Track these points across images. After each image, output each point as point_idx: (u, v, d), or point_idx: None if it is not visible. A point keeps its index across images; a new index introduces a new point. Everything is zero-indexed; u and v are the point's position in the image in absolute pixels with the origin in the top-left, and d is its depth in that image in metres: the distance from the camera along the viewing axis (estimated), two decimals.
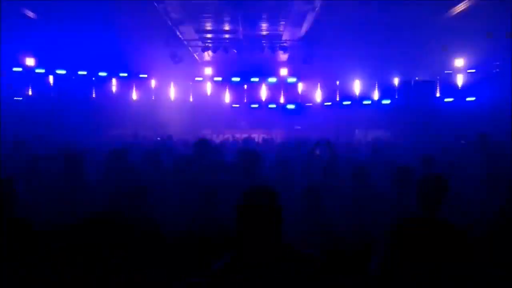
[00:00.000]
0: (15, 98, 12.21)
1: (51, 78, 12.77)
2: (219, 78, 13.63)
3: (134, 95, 13.77)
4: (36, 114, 11.27)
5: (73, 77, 12.80)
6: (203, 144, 5.51)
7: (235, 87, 13.78)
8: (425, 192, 3.31)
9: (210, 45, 12.72)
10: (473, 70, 12.24)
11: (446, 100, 12.67)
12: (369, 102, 13.19)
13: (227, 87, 13.71)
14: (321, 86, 13.57)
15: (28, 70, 12.35)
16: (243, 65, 13.34)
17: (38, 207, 4.10)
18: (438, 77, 12.90)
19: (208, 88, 13.70)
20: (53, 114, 11.48)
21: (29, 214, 3.76)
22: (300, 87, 13.66)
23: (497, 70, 11.74)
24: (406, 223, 3.15)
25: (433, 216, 3.20)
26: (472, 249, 3.10)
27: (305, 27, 11.41)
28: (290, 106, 13.65)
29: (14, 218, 3.35)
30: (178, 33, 12.01)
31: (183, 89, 13.95)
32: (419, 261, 2.91)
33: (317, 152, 5.87)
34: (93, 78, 13.22)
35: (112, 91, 13.41)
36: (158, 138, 9.46)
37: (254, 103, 13.78)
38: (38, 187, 4.78)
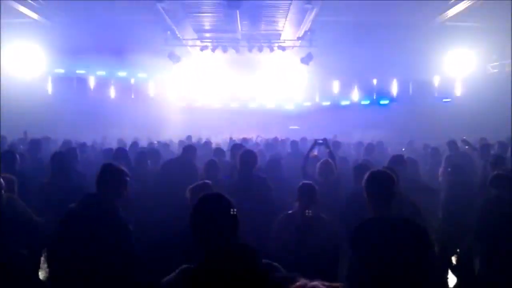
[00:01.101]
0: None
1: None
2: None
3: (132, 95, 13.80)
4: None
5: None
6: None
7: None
8: (375, 190, 3.10)
9: (209, 44, 12.67)
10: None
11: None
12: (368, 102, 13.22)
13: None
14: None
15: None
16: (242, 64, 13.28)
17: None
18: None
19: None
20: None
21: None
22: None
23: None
24: (363, 225, 3.06)
25: (387, 215, 3.10)
26: (432, 245, 3.05)
27: (304, 27, 11.41)
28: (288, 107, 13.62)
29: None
30: (177, 32, 12.01)
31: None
32: (381, 261, 2.88)
33: (315, 151, 5.86)
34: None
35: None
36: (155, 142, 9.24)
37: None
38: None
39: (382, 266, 2.88)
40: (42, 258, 3.93)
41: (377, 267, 2.90)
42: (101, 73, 13.44)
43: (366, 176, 3.18)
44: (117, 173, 3.29)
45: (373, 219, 3.08)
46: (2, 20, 9.74)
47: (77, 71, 13.18)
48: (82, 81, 13.38)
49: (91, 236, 3.02)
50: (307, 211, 3.78)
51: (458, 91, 13.19)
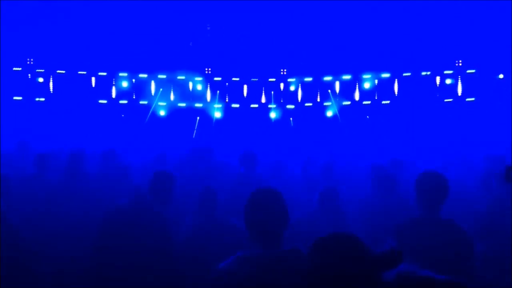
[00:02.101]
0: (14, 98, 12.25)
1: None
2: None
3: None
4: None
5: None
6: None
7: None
8: (426, 190, 3.17)
9: None
10: (473, 71, 12.25)
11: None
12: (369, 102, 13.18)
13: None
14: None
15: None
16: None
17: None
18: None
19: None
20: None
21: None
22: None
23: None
24: (408, 223, 3.12)
25: (435, 216, 3.15)
26: (473, 248, 3.09)
27: None
28: (290, 107, 13.60)
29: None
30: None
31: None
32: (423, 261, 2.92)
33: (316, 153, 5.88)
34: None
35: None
36: None
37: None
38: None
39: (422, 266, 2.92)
40: None
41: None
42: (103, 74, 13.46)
43: (419, 175, 3.28)
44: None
45: (420, 219, 3.14)
46: None
47: None
48: None
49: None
50: None
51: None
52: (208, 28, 12.64)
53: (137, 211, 3.41)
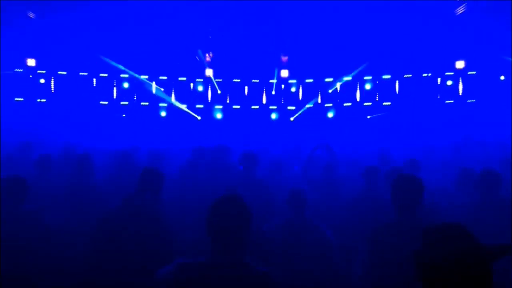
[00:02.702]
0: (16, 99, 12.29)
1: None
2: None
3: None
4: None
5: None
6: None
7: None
8: (401, 193, 3.14)
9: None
10: (474, 72, 12.26)
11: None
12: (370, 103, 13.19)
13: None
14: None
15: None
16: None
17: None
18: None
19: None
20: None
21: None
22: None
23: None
24: (382, 229, 3.09)
25: (410, 218, 3.12)
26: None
27: None
28: (291, 108, 13.61)
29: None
30: None
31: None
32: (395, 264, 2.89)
33: (317, 153, 5.89)
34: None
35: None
36: None
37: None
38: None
39: (395, 270, 2.90)
40: None
41: (390, 271, 2.92)
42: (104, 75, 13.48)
43: (395, 179, 3.23)
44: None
45: (395, 222, 3.11)
46: None
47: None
48: None
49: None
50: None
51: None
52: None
53: (129, 213, 3.48)
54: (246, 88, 13.55)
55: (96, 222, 3.55)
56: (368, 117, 12.96)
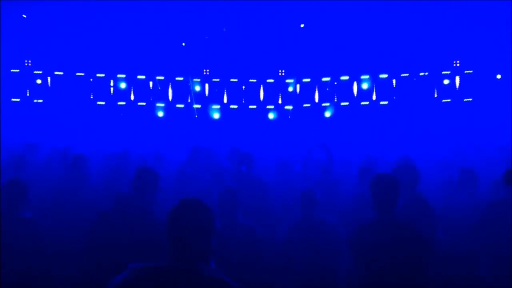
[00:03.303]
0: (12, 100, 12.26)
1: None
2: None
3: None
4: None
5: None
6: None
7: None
8: (379, 192, 3.21)
9: None
10: (471, 71, 12.30)
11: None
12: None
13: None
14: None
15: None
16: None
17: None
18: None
19: None
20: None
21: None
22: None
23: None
24: (363, 227, 3.13)
25: (389, 218, 3.16)
26: (429, 248, 3.08)
27: None
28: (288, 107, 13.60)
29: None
30: None
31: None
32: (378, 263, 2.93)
33: (314, 154, 5.90)
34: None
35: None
36: None
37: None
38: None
39: (378, 268, 2.93)
40: None
41: (374, 269, 2.95)
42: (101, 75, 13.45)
43: (372, 178, 3.30)
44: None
45: (374, 221, 3.15)
46: None
47: None
48: None
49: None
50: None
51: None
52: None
53: (123, 214, 3.48)
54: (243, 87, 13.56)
55: (90, 224, 3.53)
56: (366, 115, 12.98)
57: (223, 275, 2.06)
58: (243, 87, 13.55)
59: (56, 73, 12.79)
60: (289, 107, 13.55)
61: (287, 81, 13.50)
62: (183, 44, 12.47)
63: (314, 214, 3.97)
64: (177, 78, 13.34)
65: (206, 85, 13.47)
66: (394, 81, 13.19)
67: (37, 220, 3.67)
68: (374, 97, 13.25)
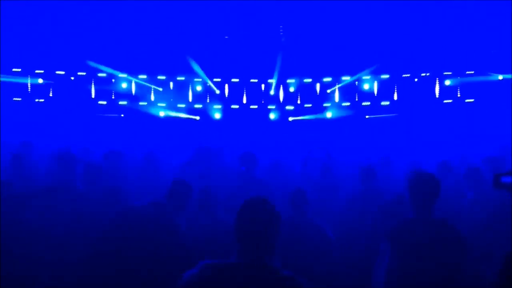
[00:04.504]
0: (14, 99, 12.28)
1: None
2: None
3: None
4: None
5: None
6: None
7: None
8: (418, 191, 3.21)
9: None
10: (472, 72, 12.27)
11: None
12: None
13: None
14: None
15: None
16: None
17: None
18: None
19: None
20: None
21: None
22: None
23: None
24: (402, 225, 3.15)
25: (427, 216, 3.18)
26: (467, 247, 3.09)
27: None
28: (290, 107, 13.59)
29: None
30: None
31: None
32: (419, 260, 2.94)
33: (314, 154, 5.90)
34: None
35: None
36: None
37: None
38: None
39: (418, 266, 2.95)
40: None
41: (414, 267, 2.97)
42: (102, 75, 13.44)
43: (411, 176, 3.33)
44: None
45: (414, 219, 3.17)
46: None
47: None
48: None
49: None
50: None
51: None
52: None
53: (152, 216, 3.48)
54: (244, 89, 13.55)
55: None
56: (367, 117, 12.96)
57: (297, 276, 2.11)
58: (244, 90, 13.57)
59: (57, 72, 12.81)
60: (290, 107, 13.54)
61: (288, 81, 13.49)
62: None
63: (304, 215, 3.98)
64: (178, 78, 13.34)
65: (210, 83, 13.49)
66: (395, 82, 13.19)
67: (34, 221, 3.66)
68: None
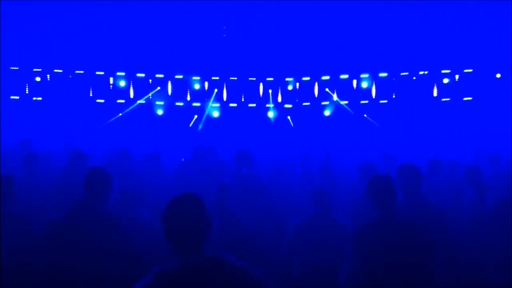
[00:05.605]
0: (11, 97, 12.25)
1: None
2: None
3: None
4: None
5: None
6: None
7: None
8: (379, 192, 3.18)
9: None
10: (470, 70, 12.29)
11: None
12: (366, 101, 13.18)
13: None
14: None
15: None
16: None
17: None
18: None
19: None
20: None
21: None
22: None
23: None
24: (365, 227, 3.11)
25: (393, 219, 3.14)
26: (434, 247, 3.05)
27: None
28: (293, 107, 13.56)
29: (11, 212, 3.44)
30: None
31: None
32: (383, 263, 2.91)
33: (312, 152, 5.90)
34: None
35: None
36: None
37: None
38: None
39: (382, 268, 2.91)
40: None
41: (377, 269, 2.93)
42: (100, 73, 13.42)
43: (370, 179, 3.28)
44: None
45: (376, 221, 3.13)
46: None
47: None
48: None
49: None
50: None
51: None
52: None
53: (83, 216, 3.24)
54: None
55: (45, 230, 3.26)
56: (365, 115, 12.96)
57: (250, 266, 2.07)
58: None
59: (55, 70, 12.78)
60: (289, 106, 13.54)
61: (287, 79, 13.48)
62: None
63: (327, 213, 4.01)
64: (176, 76, 13.33)
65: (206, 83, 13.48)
66: (393, 79, 13.19)
67: (25, 215, 3.62)
68: (373, 96, 13.25)
